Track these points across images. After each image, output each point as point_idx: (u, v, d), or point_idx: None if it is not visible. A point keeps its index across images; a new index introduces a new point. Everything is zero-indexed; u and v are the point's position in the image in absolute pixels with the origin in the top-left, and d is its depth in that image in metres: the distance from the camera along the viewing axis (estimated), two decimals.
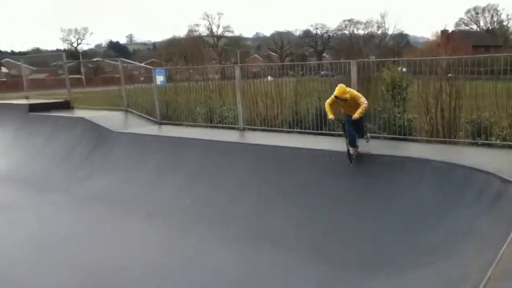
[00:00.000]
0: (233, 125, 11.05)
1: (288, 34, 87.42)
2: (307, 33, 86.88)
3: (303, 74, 11.80)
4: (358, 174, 7.25)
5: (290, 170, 7.88)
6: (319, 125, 9.63)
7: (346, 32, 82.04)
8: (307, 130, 9.84)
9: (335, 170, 7.48)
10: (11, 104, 15.17)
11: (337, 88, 7.07)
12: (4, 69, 68.79)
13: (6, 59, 74.39)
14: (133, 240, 7.12)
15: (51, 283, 5.78)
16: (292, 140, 9.14)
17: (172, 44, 75.97)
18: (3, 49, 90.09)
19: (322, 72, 12.04)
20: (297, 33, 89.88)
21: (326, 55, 79.08)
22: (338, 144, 7.82)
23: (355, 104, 7.04)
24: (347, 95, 7.04)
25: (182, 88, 12.93)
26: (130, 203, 8.59)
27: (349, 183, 7.21)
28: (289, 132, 10.14)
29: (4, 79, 52.92)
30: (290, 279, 5.61)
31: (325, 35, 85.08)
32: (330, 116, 7.21)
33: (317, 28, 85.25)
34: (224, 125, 11.39)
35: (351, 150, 7.30)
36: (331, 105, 7.22)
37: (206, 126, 11.60)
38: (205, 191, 8.31)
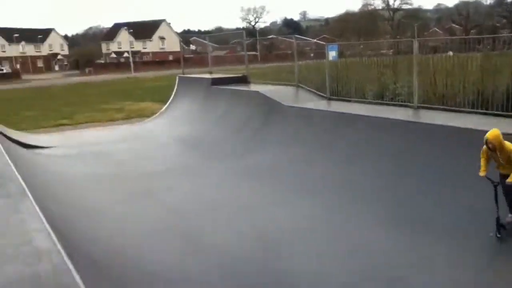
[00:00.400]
0: (406, 103, 10.42)
1: (475, 4, 78.00)
2: (499, 1, 76.13)
3: (493, 49, 10.43)
4: None
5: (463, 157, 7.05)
6: (510, 107, 8.41)
7: None
8: (494, 111, 8.69)
9: None
10: (198, 78, 16.94)
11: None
12: (192, 47, 77.17)
13: (194, 38, 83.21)
14: (289, 212, 7.32)
15: (223, 239, 6.37)
16: (475, 121, 8.17)
17: (345, 19, 74.75)
18: (191, 28, 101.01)
19: None
20: (487, 2, 79.57)
21: None
22: None
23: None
24: (496, 142, 5.46)
25: (353, 64, 12.70)
26: (295, 178, 8.79)
27: None
28: (470, 112, 9.11)
29: (192, 55, 59.37)
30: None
31: None
32: (481, 171, 5.71)
33: None
34: (396, 103, 10.81)
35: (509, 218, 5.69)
36: (484, 154, 5.74)
37: (376, 103, 11.17)
38: (369, 170, 8.05)
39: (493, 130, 5.59)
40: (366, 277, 5.21)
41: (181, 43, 35.50)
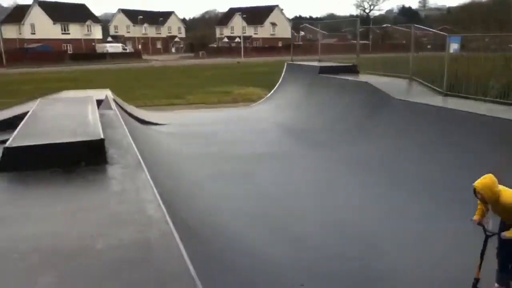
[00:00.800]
0: None
1: None
2: None
3: None
4: None
5: None
6: None
7: None
8: None
9: None
10: (305, 65, 16.89)
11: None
12: (302, 34, 77.04)
13: (305, 24, 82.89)
14: (386, 210, 7.04)
15: (310, 224, 6.34)
16: None
17: (470, 9, 68.82)
18: (303, 15, 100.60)
19: None
20: None
21: None
22: None
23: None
24: (485, 192, 4.15)
25: (476, 58, 11.68)
26: (397, 172, 8.45)
27: None
28: None
29: (301, 43, 59.27)
30: None
31: None
32: (475, 215, 4.43)
33: None
34: None
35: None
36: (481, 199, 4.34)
37: (497, 102, 10.17)
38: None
39: (484, 177, 4.25)
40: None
41: (292, 29, 35.55)
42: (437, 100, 10.70)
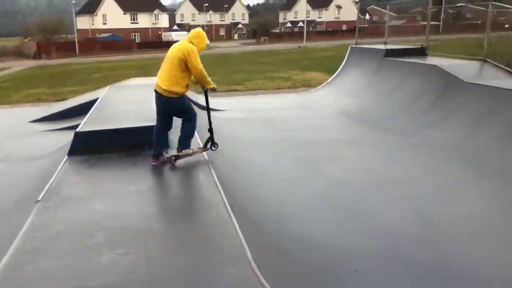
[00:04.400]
0: None
1: None
2: None
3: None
4: None
5: None
6: None
7: None
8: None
9: None
10: (370, 48, 16.32)
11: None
12: (367, 16, 74.46)
13: (372, 6, 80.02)
14: (467, 196, 6.70)
15: (380, 213, 6.16)
16: None
17: None
18: None
19: None
20: None
21: None
22: None
23: None
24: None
25: None
26: (468, 159, 8.05)
27: None
28: None
29: (366, 25, 57.28)
30: None
31: None
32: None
33: None
34: None
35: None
36: None
37: None
38: None
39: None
40: None
41: (358, 12, 34.53)
42: (509, 83, 9.96)
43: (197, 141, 5.95)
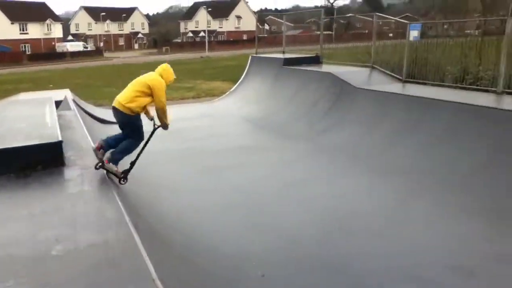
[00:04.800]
0: (488, 88, 9.67)
1: None
2: None
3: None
4: None
5: None
6: None
7: None
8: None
9: None
10: (270, 57, 16.89)
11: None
12: (266, 26, 77.00)
13: (270, 16, 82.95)
14: (366, 194, 7.19)
15: (286, 215, 6.38)
16: None
17: None
18: (268, 7, 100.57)
19: None
20: None
21: None
22: None
23: None
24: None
25: (434, 45, 11.96)
26: (362, 158, 8.68)
27: None
28: None
29: (266, 35, 59.22)
30: None
31: None
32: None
33: None
34: (477, 87, 10.07)
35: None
36: None
37: (455, 87, 10.48)
38: (445, 156, 7.64)
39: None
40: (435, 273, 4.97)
41: (257, 22, 35.53)
42: (396, 87, 10.94)
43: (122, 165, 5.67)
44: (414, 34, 12.38)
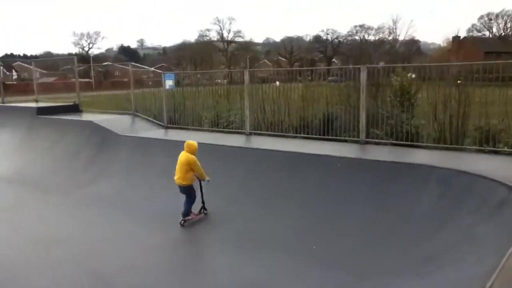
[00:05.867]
0: (239, 130, 11.05)
1: (298, 40, 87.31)
2: (317, 38, 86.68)
3: (311, 80, 11.75)
4: (362, 179, 7.20)
5: (294, 174, 7.88)
6: (325, 131, 9.61)
7: (357, 37, 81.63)
8: (312, 136, 9.81)
9: (338, 175, 7.47)
10: (20, 107, 15.32)
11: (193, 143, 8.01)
12: (14, 73, 69.63)
13: (18, 63, 75.37)
14: (132, 243, 7.08)
15: (50, 283, 5.76)
16: (297, 145, 9.11)
17: (182, 49, 76.41)
18: (15, 53, 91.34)
19: (330, 78, 11.98)
20: (308, 39, 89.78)
21: (336, 61, 78.81)
22: (343, 149, 7.76)
23: None
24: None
25: (190, 93, 12.98)
26: (133, 207, 8.57)
27: (351, 187, 7.17)
28: (294, 137, 10.10)
29: (14, 82, 53.49)
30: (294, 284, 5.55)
31: (336, 40, 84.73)
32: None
33: (327, 34, 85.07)
34: (230, 130, 11.38)
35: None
36: None
37: (212, 131, 11.59)
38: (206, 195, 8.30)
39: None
40: None
41: (3, 68, 31.73)
42: (159, 133, 11.39)
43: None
44: (169, 83, 13.22)
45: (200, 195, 7.98)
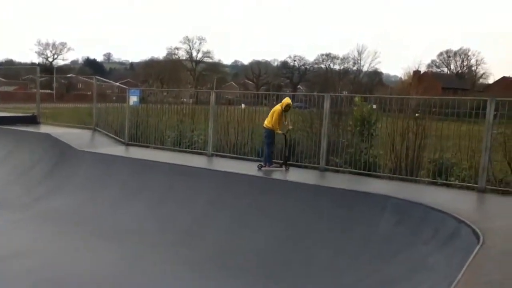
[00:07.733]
0: (201, 151, 11.00)
1: (266, 64, 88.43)
2: (284, 64, 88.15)
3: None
4: (320, 206, 7.31)
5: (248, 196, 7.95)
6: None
7: (323, 66, 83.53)
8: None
9: (296, 200, 7.56)
10: None
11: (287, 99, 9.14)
12: None
13: None
14: (85, 259, 6.86)
15: None
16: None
17: (150, 65, 75.72)
18: None
19: (295, 104, 12.17)
20: (275, 64, 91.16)
21: (301, 87, 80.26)
22: (302, 176, 7.86)
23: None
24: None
25: (154, 110, 12.83)
26: (89, 223, 8.33)
27: (309, 212, 7.25)
28: (258, 160, 10.15)
29: None
30: None
31: (302, 67, 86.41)
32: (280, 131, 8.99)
33: (294, 60, 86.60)
34: (192, 150, 11.31)
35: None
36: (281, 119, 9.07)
37: (174, 150, 11.47)
38: (167, 214, 8.18)
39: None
40: None
41: None
42: (119, 150, 11.18)
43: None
44: (134, 99, 13.03)
45: (281, 148, 9.17)
